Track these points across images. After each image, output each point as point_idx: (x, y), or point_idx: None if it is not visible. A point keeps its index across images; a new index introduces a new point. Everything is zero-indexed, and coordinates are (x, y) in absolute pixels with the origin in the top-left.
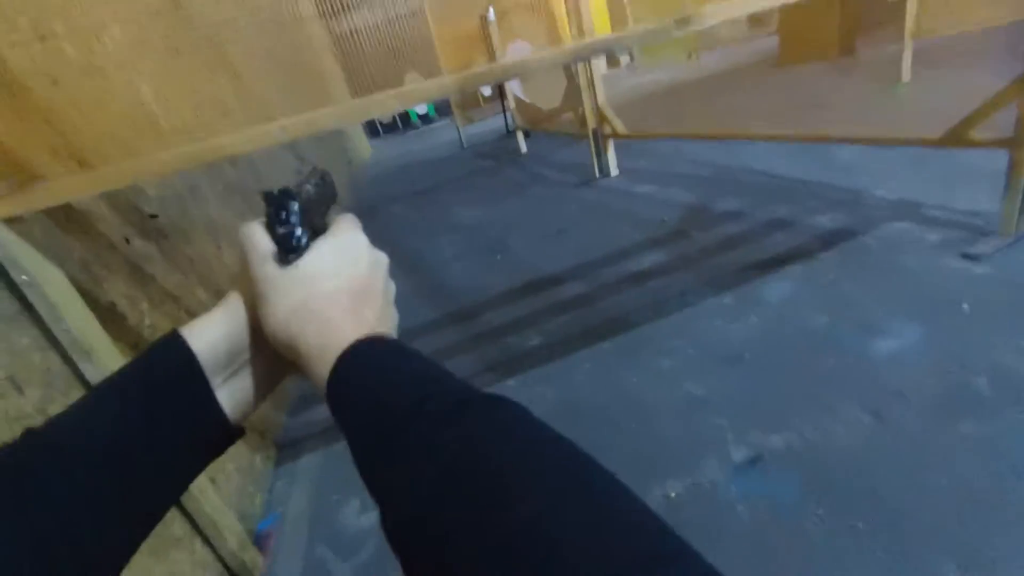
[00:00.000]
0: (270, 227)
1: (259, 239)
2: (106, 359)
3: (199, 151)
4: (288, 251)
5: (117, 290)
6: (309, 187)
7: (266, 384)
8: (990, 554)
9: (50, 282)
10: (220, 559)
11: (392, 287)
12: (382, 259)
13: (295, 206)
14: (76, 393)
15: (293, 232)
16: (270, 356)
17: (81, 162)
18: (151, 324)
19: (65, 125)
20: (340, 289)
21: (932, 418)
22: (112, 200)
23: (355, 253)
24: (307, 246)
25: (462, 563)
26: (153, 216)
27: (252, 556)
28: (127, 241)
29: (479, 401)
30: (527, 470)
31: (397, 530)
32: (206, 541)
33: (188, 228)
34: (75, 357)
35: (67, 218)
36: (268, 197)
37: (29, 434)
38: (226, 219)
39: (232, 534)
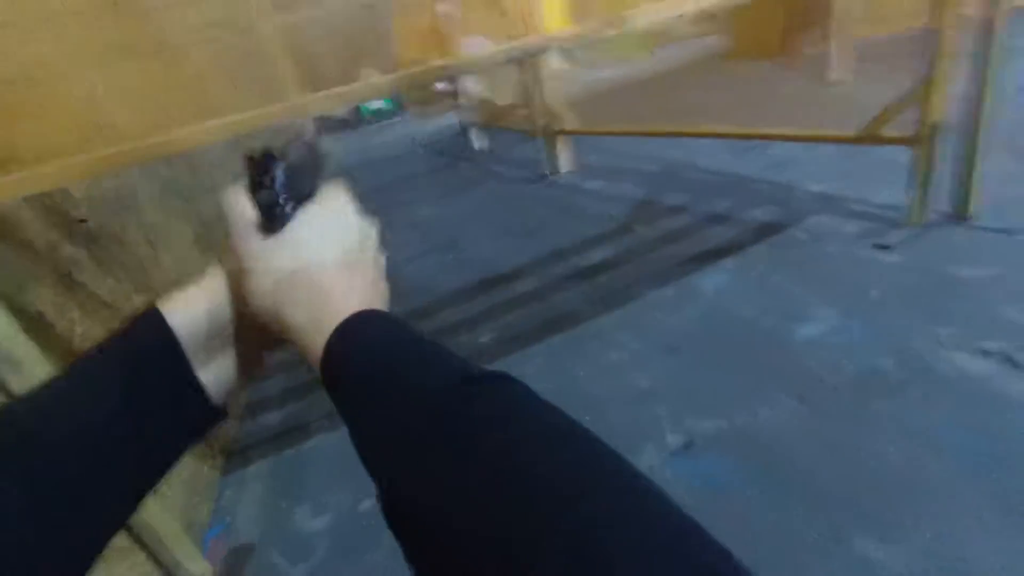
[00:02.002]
0: (252, 193)
1: (241, 206)
2: (34, 369)
3: (126, 152)
4: (272, 219)
5: (44, 298)
6: (295, 151)
7: (251, 362)
8: (902, 521)
9: None
10: (165, 570)
11: (382, 258)
12: (373, 229)
13: (279, 170)
14: None
15: (277, 199)
16: (255, 332)
17: (8, 164)
18: (82, 332)
19: None
20: (330, 258)
21: (848, 398)
22: (37, 205)
23: (344, 221)
24: (292, 214)
25: (478, 546)
26: (82, 221)
27: (200, 566)
28: (54, 247)
29: (486, 379)
30: (539, 449)
31: (403, 512)
32: (149, 552)
33: (121, 232)
34: None
35: None
36: (250, 160)
37: (3, 413)
38: (164, 222)
39: (177, 544)
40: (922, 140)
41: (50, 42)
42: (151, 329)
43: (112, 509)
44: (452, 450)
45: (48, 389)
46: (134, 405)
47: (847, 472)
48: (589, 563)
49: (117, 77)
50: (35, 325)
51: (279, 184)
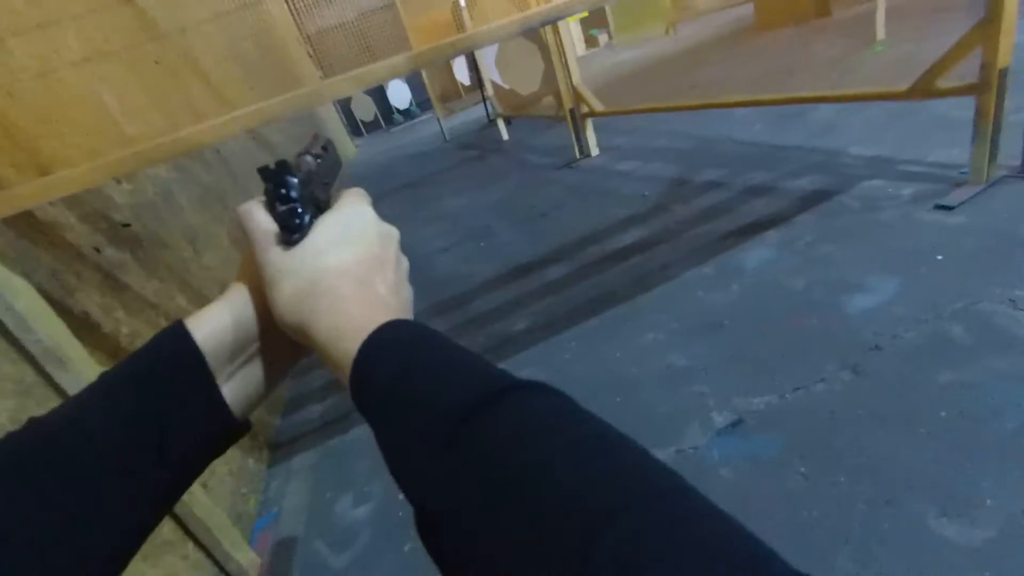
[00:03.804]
0: (270, 205)
1: (260, 219)
2: (82, 367)
3: (153, 149)
4: (291, 230)
5: (90, 299)
6: (309, 159)
7: (277, 373)
8: (969, 496)
9: (17, 293)
10: (214, 561)
11: (405, 261)
12: (392, 232)
13: (295, 181)
14: (52, 402)
15: (295, 209)
16: (281, 344)
17: (45, 172)
18: (129, 332)
19: (24, 137)
20: (349, 264)
21: (909, 369)
22: (80, 210)
23: (362, 226)
24: (311, 223)
25: (515, 570)
26: (125, 225)
27: (248, 556)
28: (97, 251)
29: (521, 388)
30: (576, 461)
31: (437, 533)
32: (198, 543)
33: (164, 235)
34: (48, 367)
35: (33, 229)
36: (265, 173)
37: (32, 424)
38: (204, 224)
39: (225, 535)
40: (988, 88)
41: (85, 46)
42: (176, 343)
43: (131, 522)
44: (483, 466)
45: (72, 403)
46: (155, 420)
47: (908, 446)
48: None
49: (138, 75)
50: (82, 325)
51: (296, 194)
